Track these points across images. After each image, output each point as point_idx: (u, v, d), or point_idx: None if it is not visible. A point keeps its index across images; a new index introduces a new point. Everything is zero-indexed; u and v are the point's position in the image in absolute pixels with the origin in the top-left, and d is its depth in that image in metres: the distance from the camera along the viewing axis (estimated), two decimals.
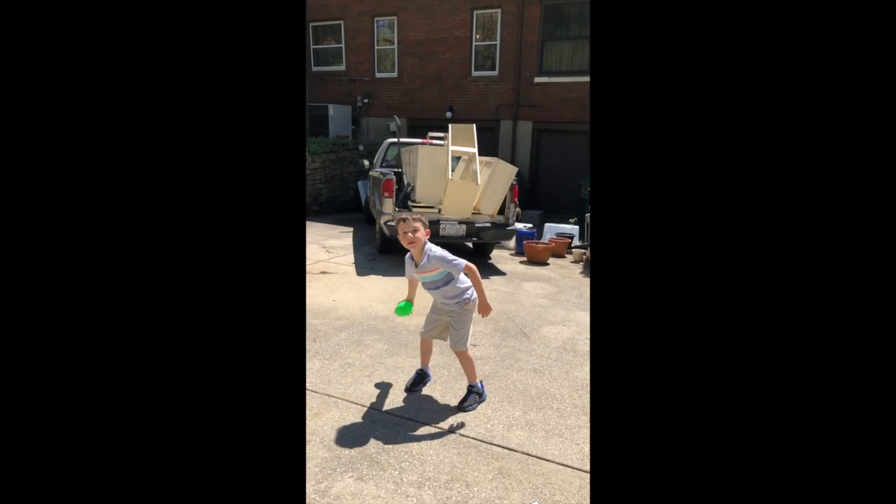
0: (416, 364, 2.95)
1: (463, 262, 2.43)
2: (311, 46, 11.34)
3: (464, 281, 2.51)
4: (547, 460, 2.17)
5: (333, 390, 2.70)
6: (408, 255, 2.53)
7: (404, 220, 2.41)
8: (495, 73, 9.65)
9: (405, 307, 2.60)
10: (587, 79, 8.63)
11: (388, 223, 5.48)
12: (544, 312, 4.23)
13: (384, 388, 2.76)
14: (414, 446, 2.22)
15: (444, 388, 2.78)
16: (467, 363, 2.59)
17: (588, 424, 2.42)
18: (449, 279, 2.46)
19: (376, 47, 10.73)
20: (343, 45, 11.01)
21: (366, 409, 2.52)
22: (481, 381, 2.67)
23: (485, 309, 2.49)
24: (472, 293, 2.52)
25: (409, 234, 2.37)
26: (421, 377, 2.77)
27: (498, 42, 9.53)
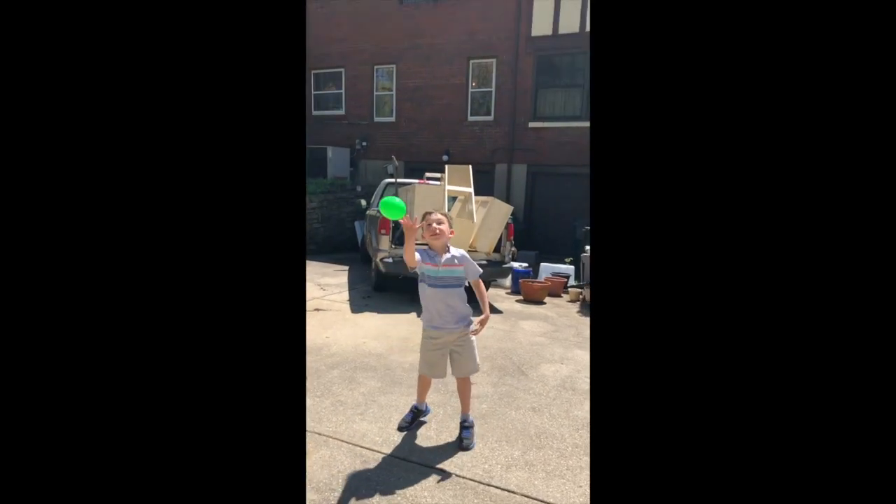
0: (409, 402, 2.84)
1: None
2: (313, 92, 11.67)
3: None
4: (549, 503, 2.05)
5: (324, 428, 2.58)
6: (422, 248, 2.47)
7: (429, 213, 2.42)
8: (490, 117, 9.92)
9: (399, 207, 2.06)
10: (580, 123, 8.89)
11: (385, 260, 5.45)
12: (542, 350, 4.14)
13: (377, 426, 2.64)
14: (408, 488, 2.10)
15: (440, 427, 2.67)
16: (468, 392, 2.55)
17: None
18: (463, 281, 2.48)
19: (375, 93, 11.07)
20: (343, 91, 11.36)
21: (357, 448, 2.40)
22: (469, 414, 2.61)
23: (485, 317, 2.48)
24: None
25: (435, 226, 2.37)
26: (416, 415, 2.67)
27: (493, 89, 9.85)
